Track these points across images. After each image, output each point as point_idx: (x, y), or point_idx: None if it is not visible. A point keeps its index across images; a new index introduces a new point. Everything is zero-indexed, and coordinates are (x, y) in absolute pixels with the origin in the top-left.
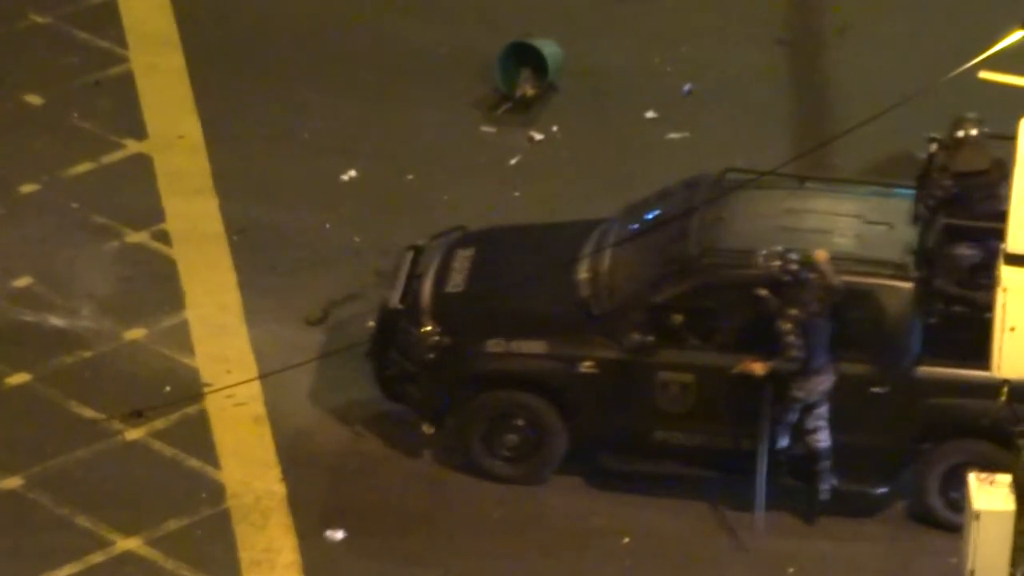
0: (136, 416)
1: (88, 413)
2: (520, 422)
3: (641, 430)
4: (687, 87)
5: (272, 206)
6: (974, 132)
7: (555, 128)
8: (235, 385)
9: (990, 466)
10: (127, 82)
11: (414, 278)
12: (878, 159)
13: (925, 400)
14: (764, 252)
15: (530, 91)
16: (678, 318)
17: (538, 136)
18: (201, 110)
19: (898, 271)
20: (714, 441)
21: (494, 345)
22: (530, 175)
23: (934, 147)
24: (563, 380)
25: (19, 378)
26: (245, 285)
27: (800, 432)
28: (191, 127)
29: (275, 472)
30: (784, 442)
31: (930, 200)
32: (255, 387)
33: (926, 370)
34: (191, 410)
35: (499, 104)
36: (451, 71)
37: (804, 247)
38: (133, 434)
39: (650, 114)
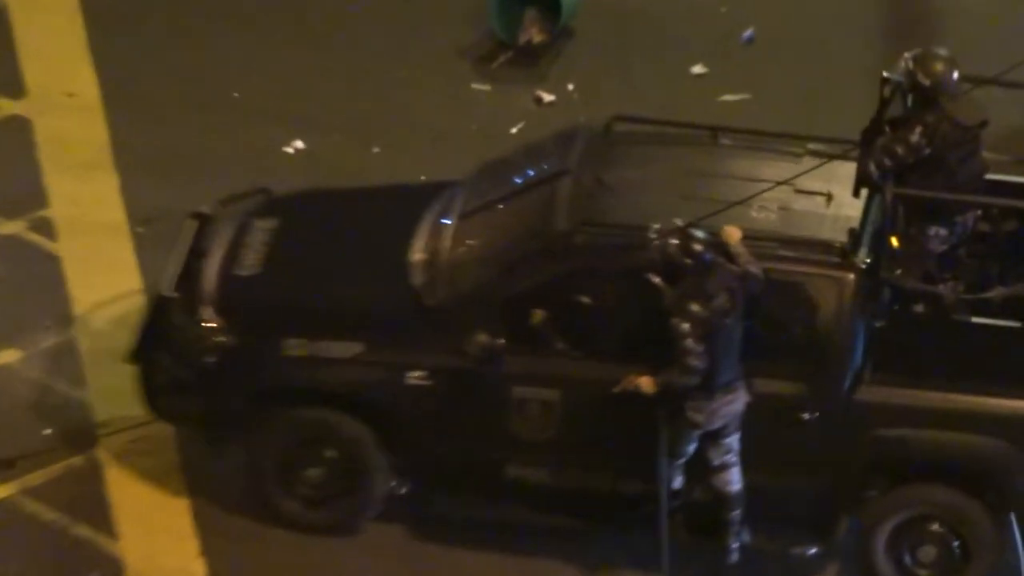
0: (5, 468)
1: None
2: (328, 451)
3: (489, 464)
4: (747, 34)
5: (189, 188)
6: (955, 75)
7: (571, 86)
8: (139, 426)
9: (956, 521)
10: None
11: (197, 257)
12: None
13: (870, 431)
14: (657, 228)
15: (537, 37)
16: (540, 315)
17: (548, 97)
18: (97, 60)
19: (837, 257)
20: (587, 481)
21: (294, 347)
22: None
23: (887, 91)
24: (385, 395)
25: None
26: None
27: (702, 470)
28: (83, 82)
29: (191, 545)
30: (678, 483)
31: (885, 161)
32: (166, 429)
33: (871, 391)
34: (79, 460)
35: (496, 54)
36: (431, 10)
37: (712, 223)
38: (1, 491)
39: (697, 68)
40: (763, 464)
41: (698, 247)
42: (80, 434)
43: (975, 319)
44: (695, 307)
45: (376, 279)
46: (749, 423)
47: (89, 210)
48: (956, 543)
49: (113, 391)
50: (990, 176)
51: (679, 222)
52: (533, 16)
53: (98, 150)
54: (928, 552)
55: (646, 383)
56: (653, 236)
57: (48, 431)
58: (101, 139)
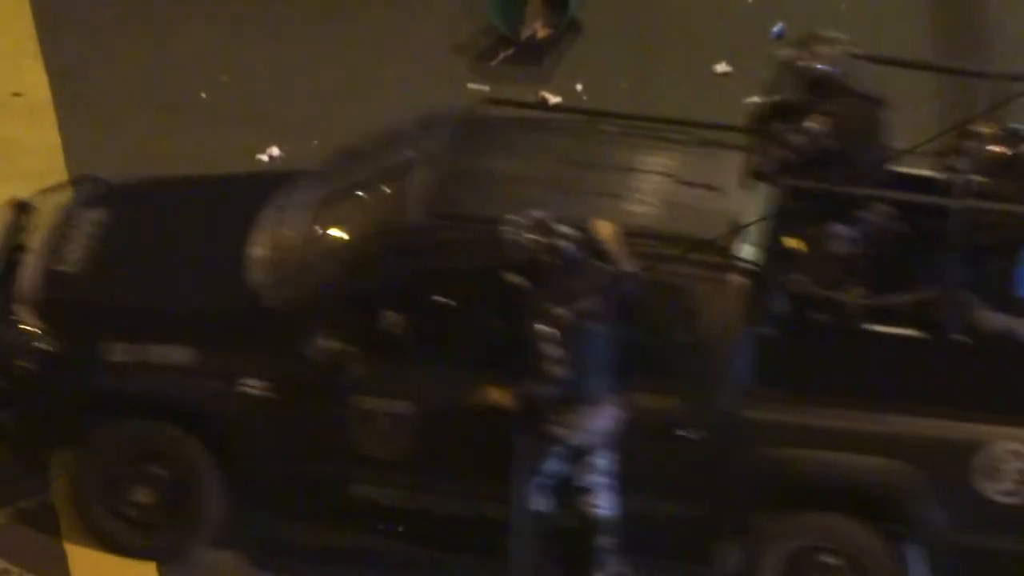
0: None
1: None
2: (156, 469)
3: (334, 483)
4: (777, 28)
5: None
6: (853, 56)
7: (579, 86)
8: None
9: (852, 552)
10: None
11: (16, 251)
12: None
13: (755, 451)
14: (517, 220)
15: (541, 31)
16: (391, 318)
17: (554, 98)
18: (46, 55)
19: (723, 258)
20: (444, 504)
21: (118, 352)
22: None
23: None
24: (217, 405)
25: None
26: None
27: (569, 493)
28: (31, 81)
29: None
30: (543, 506)
31: (780, 152)
32: None
33: (758, 407)
34: (30, 503)
35: (495, 50)
36: (423, 1)
37: (582, 216)
38: None
39: (721, 67)
40: (639, 487)
41: (562, 242)
42: (31, 476)
43: (879, 328)
44: (558, 309)
45: (211, 277)
46: (624, 441)
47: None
48: None
49: None
50: (904, 170)
51: (538, 214)
52: (537, 8)
53: (48, 156)
54: None
55: (502, 395)
56: (508, 230)
57: None
58: (52, 143)
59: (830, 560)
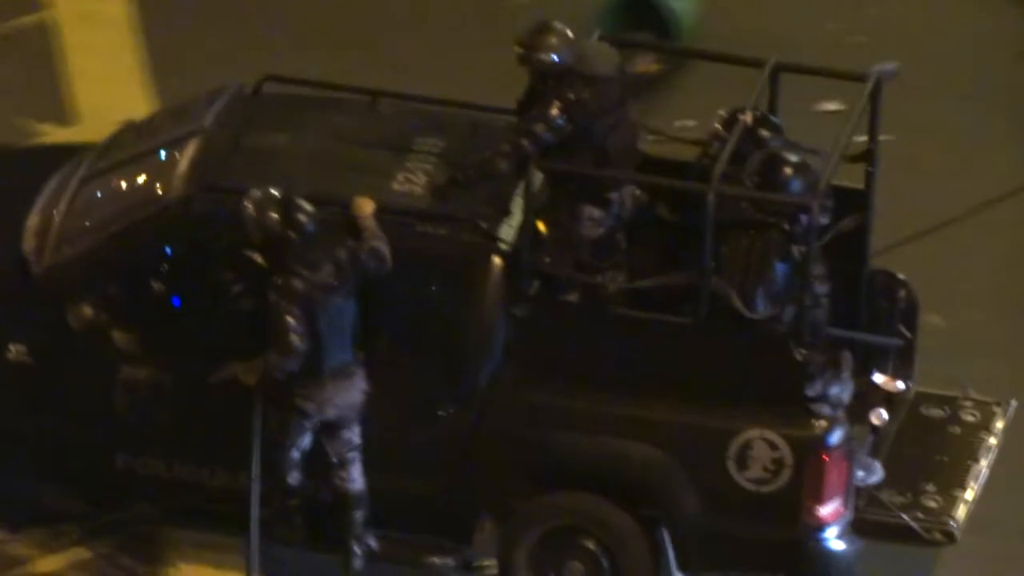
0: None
1: None
2: None
3: (97, 452)
4: (889, 67)
5: None
6: (590, 40)
7: (691, 123)
8: None
9: (605, 535)
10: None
11: None
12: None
13: (508, 431)
14: (257, 195)
15: (649, 67)
16: (155, 287)
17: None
18: (156, 80)
19: (480, 238)
20: (203, 476)
21: None
22: None
23: (548, 57)
24: None
25: None
26: None
27: (321, 467)
28: (140, 106)
29: None
30: (294, 479)
31: (524, 143)
32: None
33: (511, 387)
34: (140, 530)
35: None
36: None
37: (347, 192)
38: (48, 564)
39: (830, 105)
40: (394, 463)
41: (302, 218)
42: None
43: (634, 312)
44: (295, 282)
45: None
46: (377, 417)
47: None
48: (606, 560)
49: None
50: (658, 155)
51: (276, 190)
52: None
53: None
54: (575, 569)
55: (246, 371)
56: (246, 206)
57: None
58: None
59: (584, 542)
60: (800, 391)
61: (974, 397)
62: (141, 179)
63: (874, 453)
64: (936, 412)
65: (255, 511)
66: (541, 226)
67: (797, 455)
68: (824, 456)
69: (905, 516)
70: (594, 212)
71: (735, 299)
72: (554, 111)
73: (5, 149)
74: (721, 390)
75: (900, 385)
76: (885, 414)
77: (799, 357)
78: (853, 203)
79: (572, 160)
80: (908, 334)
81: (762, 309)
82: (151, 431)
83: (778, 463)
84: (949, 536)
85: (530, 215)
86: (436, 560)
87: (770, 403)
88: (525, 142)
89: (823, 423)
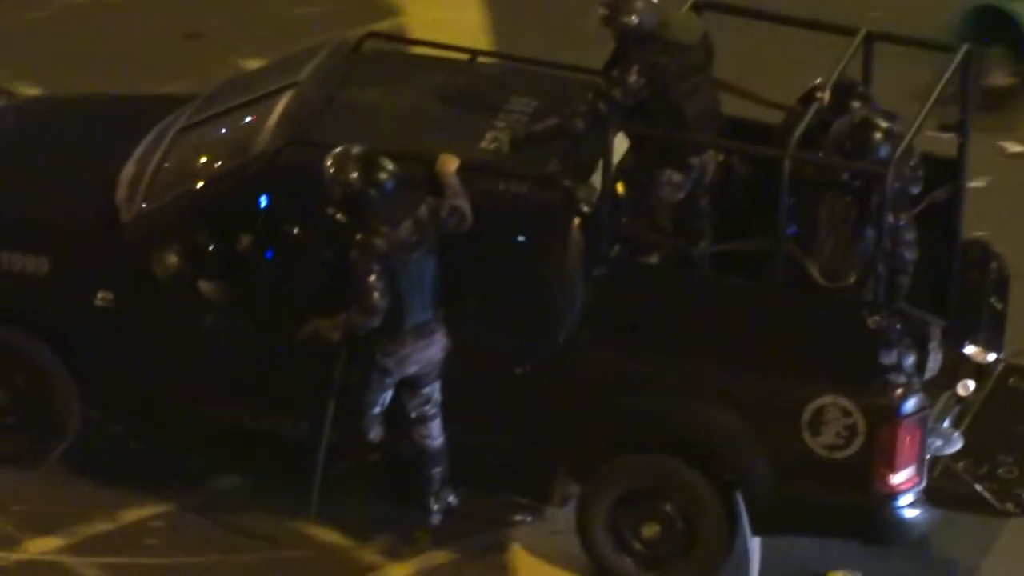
0: (406, 543)
1: (334, 538)
2: (12, 375)
3: (179, 400)
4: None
5: None
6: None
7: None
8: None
9: (681, 497)
10: None
11: None
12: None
13: (587, 392)
14: (338, 152)
15: (1003, 80)
16: (241, 238)
17: (1015, 147)
18: None
19: (561, 196)
20: (287, 427)
21: None
22: (1002, 206)
23: (630, 20)
24: (70, 316)
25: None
26: None
27: (404, 423)
28: None
29: None
30: (375, 434)
31: (601, 107)
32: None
33: (591, 348)
34: (485, 539)
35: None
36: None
37: (434, 150)
38: (396, 571)
39: None
40: (473, 420)
41: (383, 176)
42: (489, 512)
43: (711, 276)
44: (376, 240)
45: (80, 192)
46: (457, 374)
47: None
48: (681, 522)
49: None
50: (739, 116)
51: (359, 148)
52: (1000, 56)
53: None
54: (651, 529)
55: (329, 326)
56: (328, 164)
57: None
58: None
59: (661, 504)
60: (875, 359)
61: None
62: (233, 131)
63: (957, 423)
64: (1022, 384)
65: (319, 463)
66: (620, 188)
67: (870, 423)
68: (897, 425)
69: (978, 486)
70: (674, 176)
71: (810, 265)
72: (632, 75)
73: (114, 98)
74: (796, 356)
75: (990, 357)
76: (972, 385)
77: (872, 325)
78: (947, 174)
79: (651, 123)
80: (1000, 305)
81: (840, 275)
82: (233, 382)
83: (851, 430)
84: (1020, 507)
85: (609, 177)
86: (515, 518)
87: (844, 370)
88: (601, 103)
89: (897, 392)
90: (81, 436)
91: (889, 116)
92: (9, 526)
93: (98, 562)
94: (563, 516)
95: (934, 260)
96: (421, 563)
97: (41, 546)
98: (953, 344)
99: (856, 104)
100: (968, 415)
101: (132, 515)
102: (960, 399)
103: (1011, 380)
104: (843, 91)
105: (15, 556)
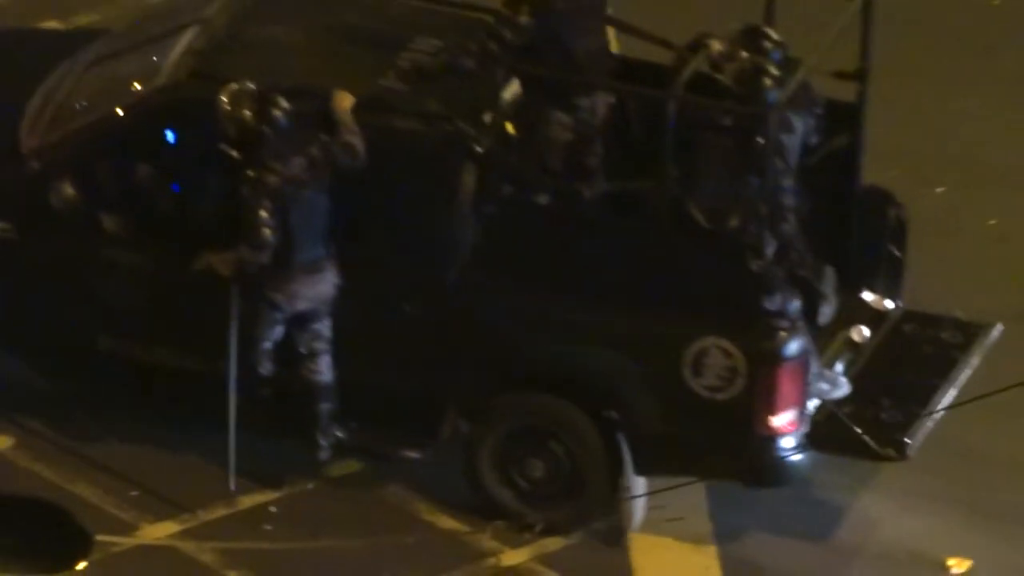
0: (523, 531)
1: (449, 524)
2: None
3: (76, 331)
4: None
5: None
6: None
7: None
8: (668, 490)
9: (567, 437)
10: None
11: None
12: None
13: (476, 330)
14: (232, 89)
15: None
16: (139, 172)
17: None
18: None
19: (453, 136)
20: (180, 361)
21: None
22: None
23: None
24: None
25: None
26: None
27: (294, 358)
28: None
29: None
30: (266, 369)
31: (492, 46)
32: (697, 495)
33: (481, 287)
34: (600, 525)
35: None
36: (1012, 29)
37: (331, 86)
38: (512, 557)
39: None
40: (363, 357)
41: (276, 113)
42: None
43: (596, 216)
44: (268, 176)
45: None
46: (348, 311)
47: None
48: (567, 460)
49: None
50: (636, 59)
51: (251, 85)
52: None
53: None
54: (536, 467)
55: (220, 261)
56: (222, 100)
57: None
58: None
59: (547, 442)
60: (757, 302)
61: (959, 319)
62: (137, 65)
63: (849, 369)
64: (917, 331)
65: (233, 398)
66: (510, 128)
67: (751, 365)
68: (777, 367)
69: (859, 430)
70: (562, 117)
71: (694, 207)
72: (522, 15)
73: (26, 31)
74: (679, 297)
75: (888, 304)
76: (866, 331)
77: (755, 268)
78: (849, 120)
79: (540, 64)
80: (898, 252)
81: (722, 218)
82: (131, 314)
83: (732, 372)
84: (900, 452)
85: (499, 116)
86: (406, 453)
87: (727, 312)
88: (491, 43)
89: (778, 335)
90: (197, 422)
91: (791, 63)
92: (127, 511)
93: (214, 547)
94: (681, 502)
95: (834, 207)
96: (537, 549)
97: (158, 531)
98: (851, 291)
99: (768, 45)
100: (860, 361)
101: (249, 500)
102: (854, 345)
103: (907, 327)
104: (751, 35)
105: (132, 541)
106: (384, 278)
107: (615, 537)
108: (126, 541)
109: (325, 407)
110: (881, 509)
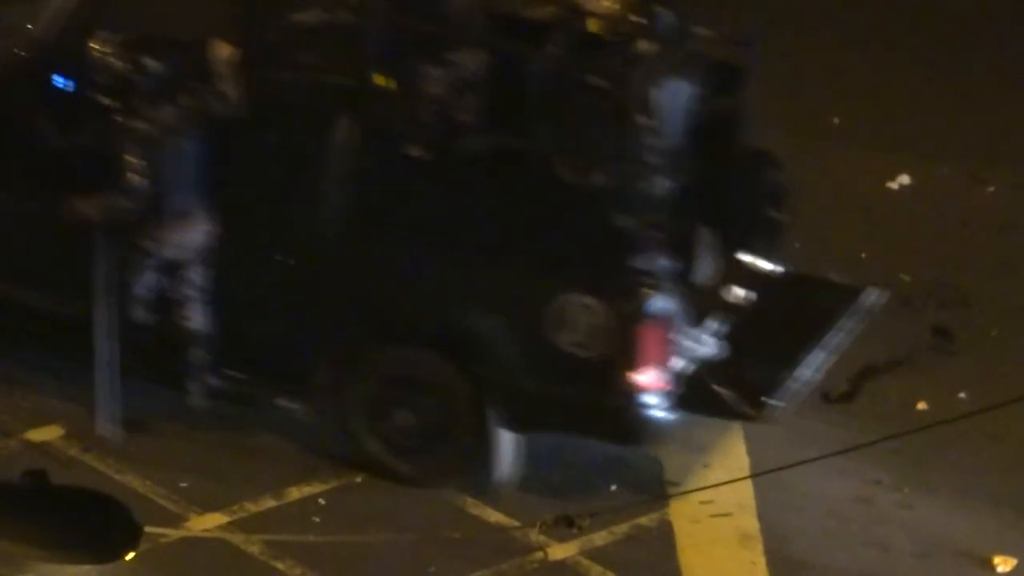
0: (566, 525)
1: (496, 518)
2: None
3: None
4: None
5: None
6: None
7: None
8: (714, 487)
9: (435, 390)
10: None
11: None
12: None
13: (348, 283)
14: (105, 37)
15: None
16: (14, 119)
17: None
18: None
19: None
20: (54, 305)
21: None
22: None
23: None
24: None
25: None
26: None
27: (166, 305)
28: None
29: None
30: (138, 315)
31: None
32: (745, 491)
33: (353, 240)
34: (647, 520)
35: None
36: None
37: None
38: (560, 551)
39: None
40: (236, 306)
41: (148, 61)
42: (649, 491)
43: (463, 171)
44: (138, 124)
45: None
46: (221, 260)
47: None
48: (434, 414)
49: (688, 445)
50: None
51: (124, 34)
52: None
53: None
54: (404, 417)
55: (89, 207)
56: (95, 49)
57: (613, 487)
58: None
59: (416, 394)
60: (621, 259)
61: (835, 281)
62: (16, 17)
63: (723, 329)
64: (793, 293)
65: (102, 343)
66: (381, 80)
67: (615, 322)
68: (641, 325)
69: (721, 389)
70: (433, 70)
71: (561, 163)
72: None
73: None
74: (544, 253)
75: (766, 265)
76: (741, 291)
77: (620, 225)
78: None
79: (410, 17)
80: (778, 214)
81: (586, 173)
82: (15, 262)
83: (597, 329)
84: (760, 411)
85: (370, 70)
86: (282, 402)
87: (590, 269)
88: None
89: (642, 292)
90: (248, 414)
91: (683, 28)
92: (175, 502)
93: (262, 539)
94: (728, 498)
95: (716, 169)
96: (584, 544)
97: (206, 522)
98: (729, 251)
99: (658, 9)
100: (734, 321)
101: (297, 492)
102: (729, 305)
103: (783, 289)
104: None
105: (180, 532)
106: (259, 228)
107: (662, 532)
108: (174, 532)
109: (197, 354)
110: (931, 507)
